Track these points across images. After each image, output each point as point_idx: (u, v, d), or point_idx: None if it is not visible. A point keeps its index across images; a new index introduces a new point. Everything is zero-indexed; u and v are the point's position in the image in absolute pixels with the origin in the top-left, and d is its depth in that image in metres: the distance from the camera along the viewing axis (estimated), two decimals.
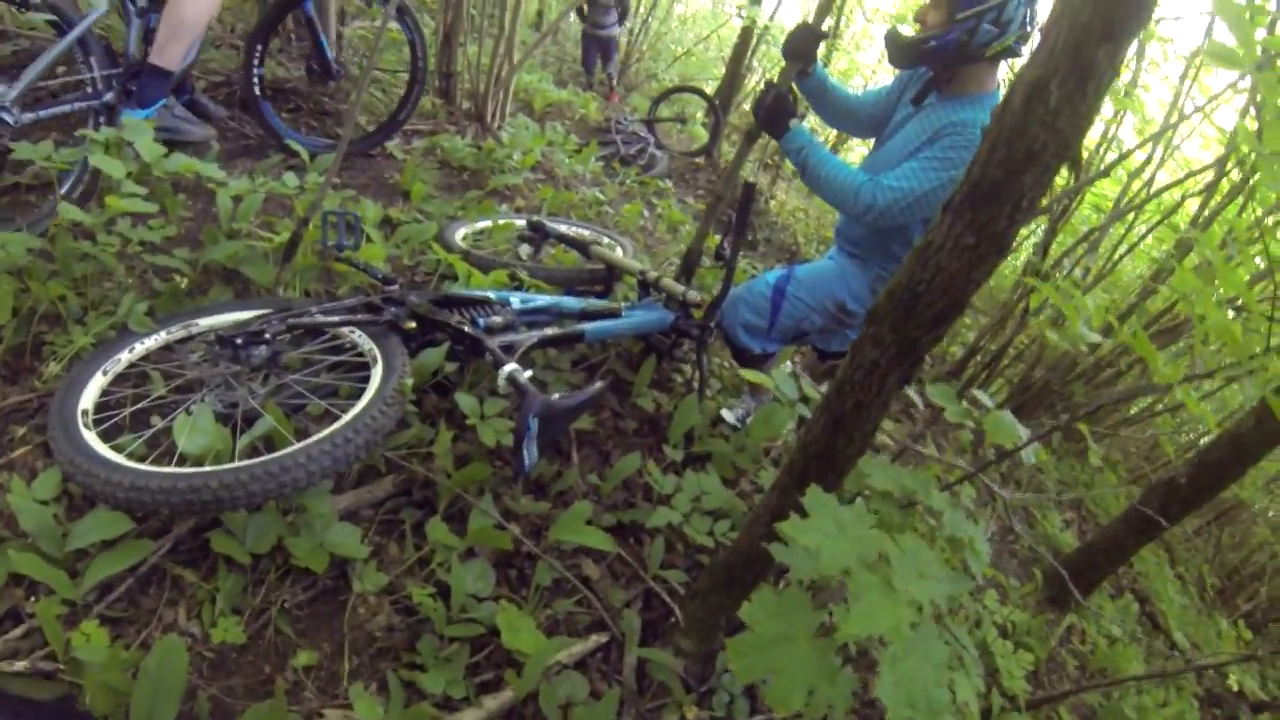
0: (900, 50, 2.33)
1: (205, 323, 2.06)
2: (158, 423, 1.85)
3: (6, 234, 2.01)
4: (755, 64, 9.01)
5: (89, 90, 2.60)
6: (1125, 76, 4.59)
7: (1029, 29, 2.18)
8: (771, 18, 8.10)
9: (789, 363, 3.58)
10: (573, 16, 8.07)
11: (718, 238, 2.74)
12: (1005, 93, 1.16)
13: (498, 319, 2.18)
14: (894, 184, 2.24)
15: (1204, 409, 2.01)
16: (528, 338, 2.15)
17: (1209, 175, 4.00)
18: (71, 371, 1.83)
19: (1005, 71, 2.47)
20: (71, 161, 2.26)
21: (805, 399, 2.16)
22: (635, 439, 2.53)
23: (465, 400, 1.98)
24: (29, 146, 2.17)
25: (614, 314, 2.52)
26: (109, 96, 2.63)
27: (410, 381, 1.86)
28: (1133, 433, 5.67)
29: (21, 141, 2.24)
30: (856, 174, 2.33)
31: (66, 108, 2.54)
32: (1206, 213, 4.48)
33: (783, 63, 2.48)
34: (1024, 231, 5.60)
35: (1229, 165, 3.54)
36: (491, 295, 2.28)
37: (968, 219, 1.20)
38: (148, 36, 2.73)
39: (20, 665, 1.40)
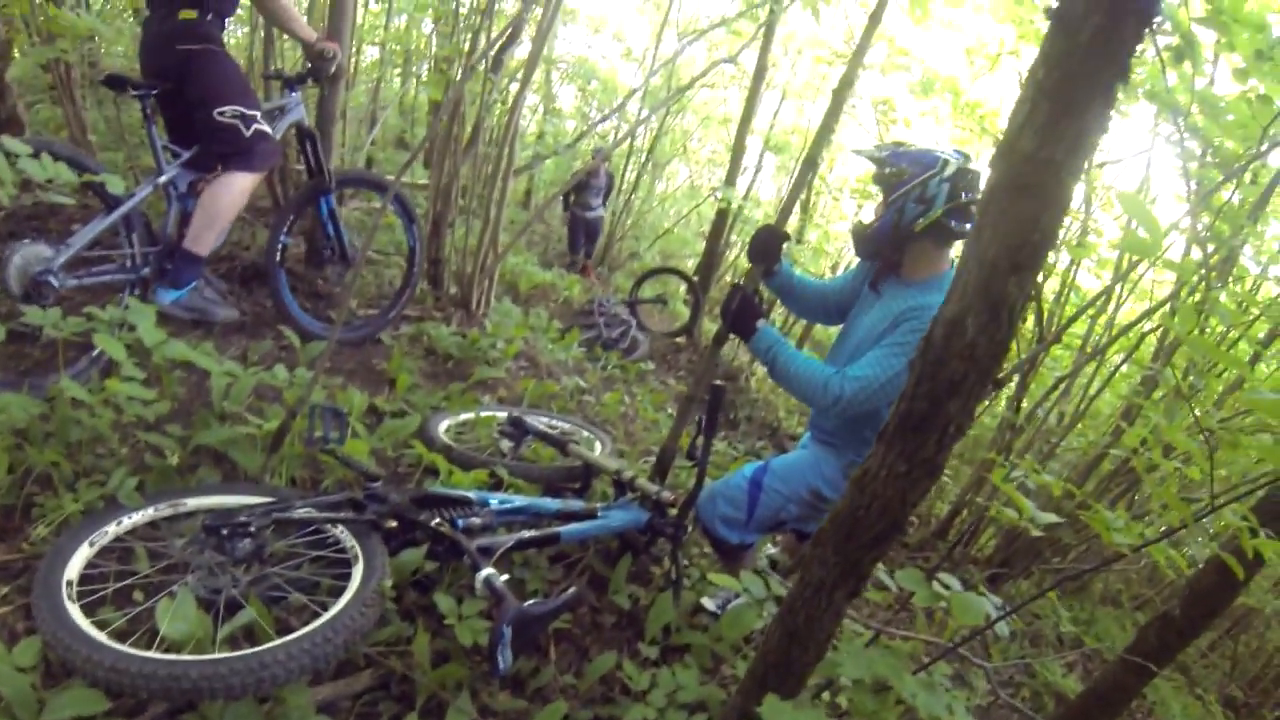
0: (855, 240, 2.75)
1: (193, 503, 2.28)
2: (140, 599, 2.04)
3: (9, 396, 2.29)
4: (734, 238, 9.72)
5: (127, 264, 3.05)
6: (1074, 227, 5.11)
7: (966, 199, 2.49)
8: (745, 197, 8.86)
9: (770, 544, 3.77)
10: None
11: (692, 436, 3.01)
12: (927, 330, 1.37)
13: (476, 520, 2.42)
14: (859, 374, 2.49)
15: (1176, 556, 2.25)
16: (505, 540, 2.37)
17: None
18: (59, 539, 2.02)
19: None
20: (78, 331, 2.55)
21: (775, 598, 2.36)
22: (613, 633, 2.70)
23: (444, 601, 2.18)
24: (38, 312, 2.49)
25: (590, 515, 2.76)
26: (145, 271, 3.08)
27: (389, 582, 2.07)
28: (1127, 564, 5.78)
29: (32, 306, 2.56)
30: (823, 368, 2.58)
31: (107, 278, 2.97)
32: (1169, 341, 4.78)
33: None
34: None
35: (1183, 295, 3.85)
36: (471, 495, 2.52)
37: (899, 448, 1.42)
38: (184, 219, 3.19)
39: None
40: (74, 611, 1.81)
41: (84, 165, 2.77)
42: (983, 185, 2.41)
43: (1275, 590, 6.19)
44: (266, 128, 3.29)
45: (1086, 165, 1.35)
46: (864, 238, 2.70)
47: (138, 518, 2.19)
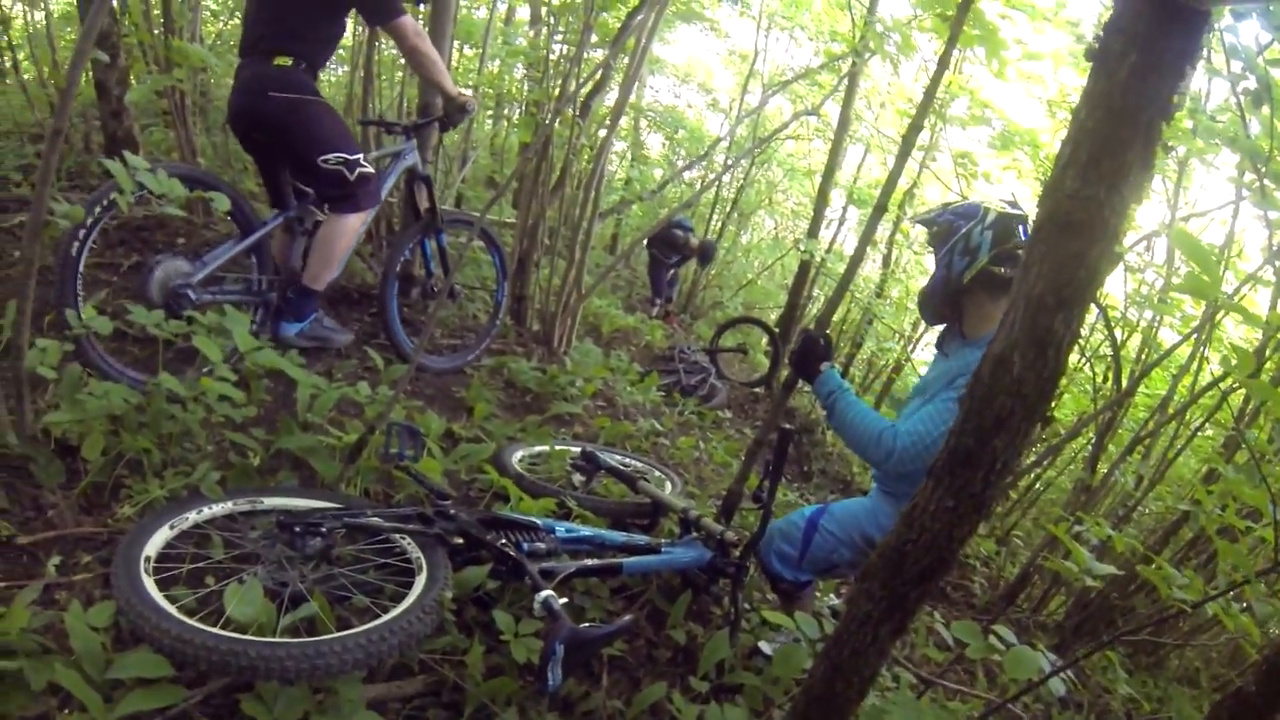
0: (919, 307, 2.80)
1: (270, 502, 2.40)
2: (211, 583, 2.17)
3: (109, 384, 2.48)
4: (816, 291, 9.72)
5: (253, 287, 3.34)
6: (1158, 282, 4.95)
7: (1013, 245, 2.50)
8: (829, 249, 8.87)
9: (832, 594, 3.77)
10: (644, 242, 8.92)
11: (759, 478, 3.03)
12: (975, 368, 1.40)
13: (541, 545, 2.47)
14: (910, 429, 2.51)
15: (1246, 622, 2.16)
16: (567, 567, 2.43)
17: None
18: (143, 518, 2.16)
19: None
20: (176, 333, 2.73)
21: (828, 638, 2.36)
22: (666, 667, 2.72)
23: (502, 618, 2.24)
24: (143, 311, 2.70)
25: (654, 550, 2.80)
26: (270, 295, 3.37)
27: (450, 594, 2.14)
28: (1208, 639, 5.49)
29: (139, 307, 2.74)
30: (878, 421, 2.61)
31: (235, 297, 3.24)
32: (1253, 403, 4.56)
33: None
34: (1076, 442, 5.79)
35: (1269, 352, 3.74)
36: (538, 522, 2.58)
37: (947, 483, 1.44)
38: (307, 253, 3.47)
39: None
40: (149, 584, 1.92)
41: (234, 198, 3.09)
42: (1028, 228, 2.46)
43: None
44: (370, 169, 3.51)
45: (1167, 219, 1.37)
46: (923, 302, 2.77)
47: (217, 509, 2.31)
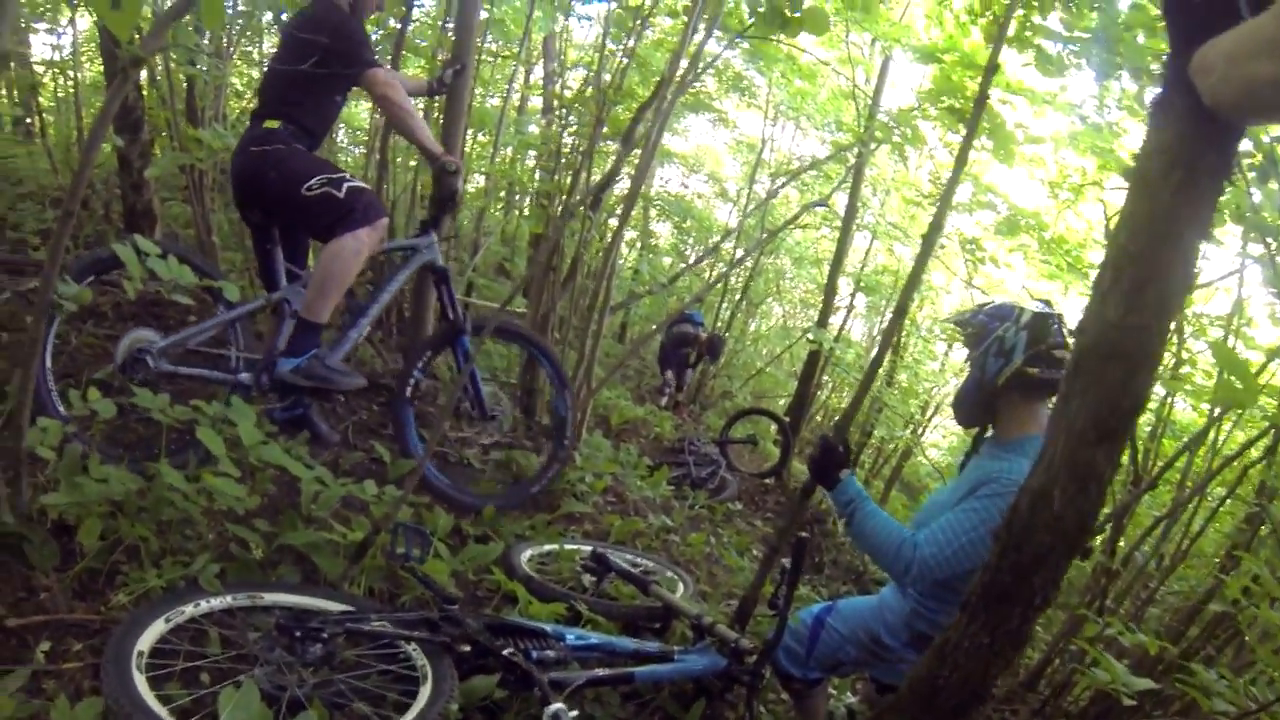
0: (954, 410, 2.76)
1: (270, 598, 2.31)
2: (207, 682, 2.07)
3: (111, 469, 2.39)
4: (825, 379, 9.69)
5: (229, 366, 3.22)
6: (1167, 358, 4.86)
7: (1059, 353, 2.42)
8: (837, 338, 8.88)
9: (849, 693, 3.67)
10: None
11: (775, 586, 2.95)
12: (1013, 500, 1.36)
13: (550, 653, 2.39)
14: (930, 538, 2.43)
15: None
16: (578, 677, 2.34)
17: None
18: (138, 609, 2.08)
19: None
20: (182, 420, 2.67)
21: None
22: None
23: None
24: (149, 396, 2.65)
25: (667, 657, 2.71)
26: (244, 377, 3.22)
27: (456, 707, 2.04)
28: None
29: (144, 390, 2.69)
30: (898, 533, 2.52)
31: (205, 373, 3.15)
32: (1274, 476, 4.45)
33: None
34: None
35: None
36: (548, 628, 2.50)
37: (983, 619, 1.39)
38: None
39: None
40: (140, 682, 1.83)
41: (205, 270, 3.02)
42: (1063, 328, 2.43)
43: None
44: (360, 184, 3.39)
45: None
46: (957, 405, 2.73)
47: (215, 603, 2.22)
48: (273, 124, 3.31)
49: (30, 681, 1.92)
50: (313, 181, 3.26)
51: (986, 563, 1.39)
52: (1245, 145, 2.43)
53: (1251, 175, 2.53)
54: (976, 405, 2.64)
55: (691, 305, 9.26)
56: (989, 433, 2.71)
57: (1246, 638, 2.32)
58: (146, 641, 1.97)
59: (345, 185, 3.31)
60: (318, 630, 2.13)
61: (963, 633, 1.42)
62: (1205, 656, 4.47)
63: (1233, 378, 1.93)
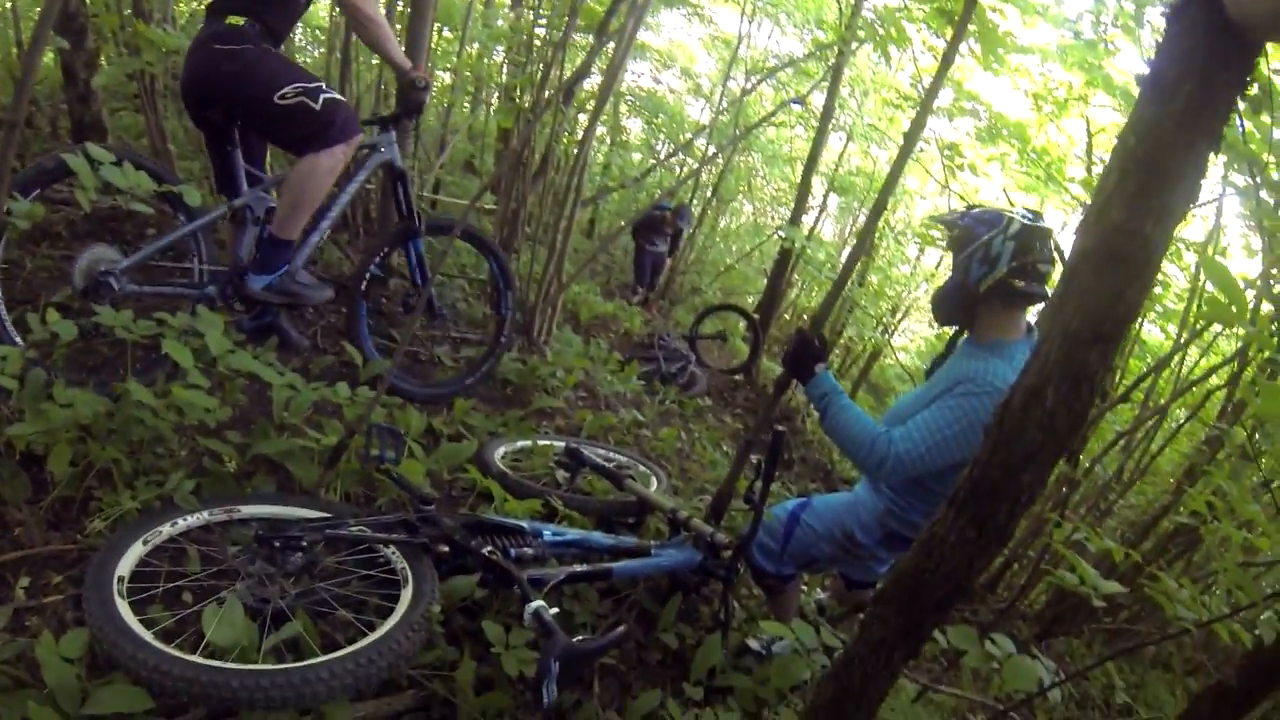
0: (932, 307, 2.76)
1: (247, 510, 2.31)
2: (189, 602, 2.08)
3: (76, 392, 2.34)
4: (795, 277, 9.70)
5: (193, 279, 3.09)
6: None
7: (1044, 268, 2.46)
8: (809, 236, 8.85)
9: (819, 589, 3.77)
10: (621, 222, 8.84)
11: (749, 480, 2.99)
12: (1004, 397, 1.37)
13: (529, 551, 2.42)
14: (905, 435, 2.47)
15: (1240, 632, 2.16)
16: (557, 573, 2.37)
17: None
18: (115, 534, 2.06)
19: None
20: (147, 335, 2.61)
21: (826, 648, 2.35)
22: (658, 671, 2.69)
23: (492, 629, 2.18)
24: (111, 313, 2.56)
25: (643, 552, 2.76)
26: (209, 290, 3.11)
27: (438, 608, 2.08)
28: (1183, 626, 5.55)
29: (106, 308, 2.62)
30: (871, 428, 2.56)
31: (169, 289, 3.04)
32: (1236, 399, 4.64)
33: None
34: None
35: (1251, 352, 3.70)
36: (525, 525, 2.53)
37: (970, 514, 1.41)
38: (258, 244, 3.22)
39: None
40: (123, 608, 1.84)
41: (162, 176, 2.84)
42: (1050, 244, 2.42)
43: None
44: (337, 95, 3.18)
45: None
46: (936, 303, 2.73)
47: (193, 520, 2.22)
48: (237, 21, 3.04)
49: (13, 620, 1.93)
50: (287, 90, 3.05)
51: (976, 458, 1.40)
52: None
53: (1244, 106, 2.50)
54: (956, 307, 2.65)
55: (663, 199, 9.15)
56: (966, 335, 2.72)
57: (1207, 546, 2.40)
58: (126, 566, 1.97)
59: (322, 97, 3.10)
60: (297, 539, 2.15)
61: (949, 527, 1.44)
62: (1158, 569, 4.65)
63: (1221, 294, 1.93)
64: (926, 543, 1.49)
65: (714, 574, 2.84)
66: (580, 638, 1.93)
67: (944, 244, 2.73)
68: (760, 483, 2.65)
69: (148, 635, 1.77)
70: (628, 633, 2.26)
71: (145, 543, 2.08)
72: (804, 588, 3.49)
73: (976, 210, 2.63)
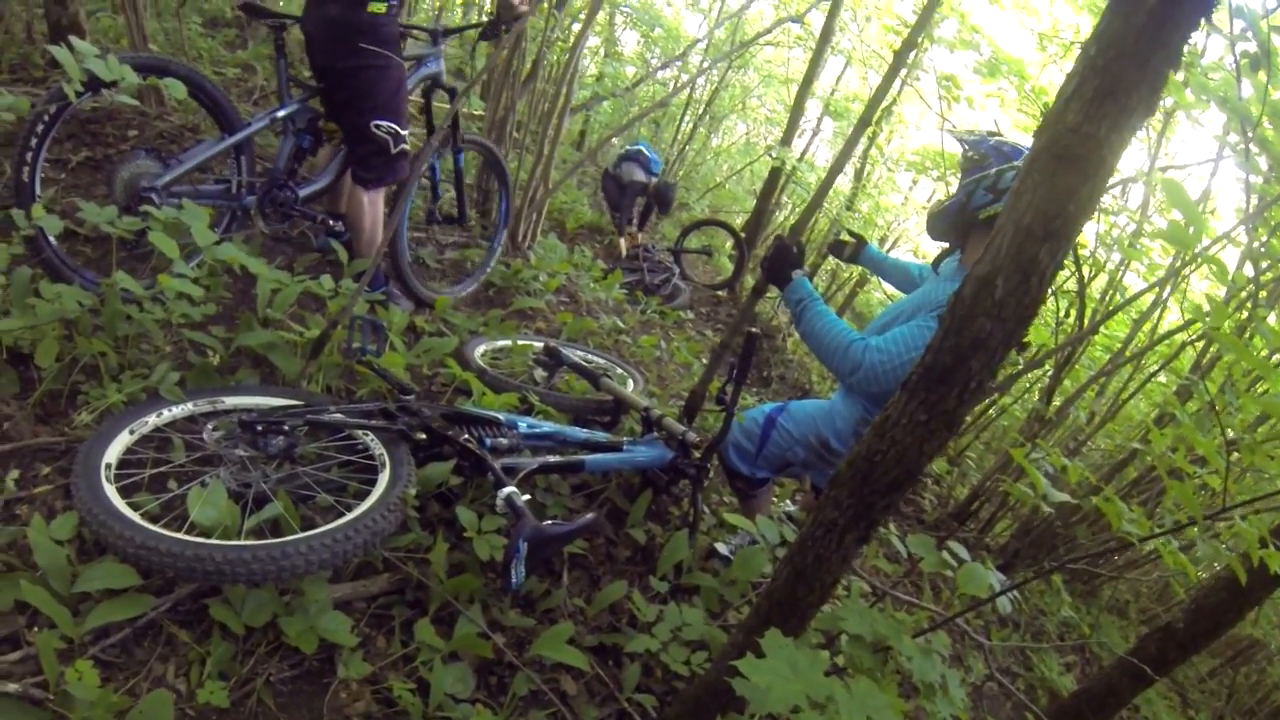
0: (928, 219, 2.71)
1: (230, 401, 2.33)
2: (174, 488, 2.11)
3: (62, 287, 2.32)
4: (785, 199, 9.58)
5: (232, 191, 3.02)
6: (1130, 227, 5.00)
7: None
8: (801, 158, 8.70)
9: (789, 500, 3.83)
10: (615, 140, 8.60)
11: (722, 381, 3.01)
12: (959, 285, 1.40)
13: (504, 441, 2.44)
14: (882, 346, 2.46)
15: (1183, 560, 2.24)
16: (530, 462, 2.41)
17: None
18: (101, 425, 2.08)
19: None
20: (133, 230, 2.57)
21: (786, 543, 2.38)
22: (626, 566, 2.75)
23: (465, 514, 2.22)
24: (94, 208, 2.47)
25: (615, 448, 2.78)
26: (248, 200, 3.04)
27: (414, 491, 2.11)
28: (1140, 574, 5.78)
29: (90, 204, 2.57)
30: (848, 333, 2.54)
31: (209, 202, 2.93)
32: (1209, 356, 4.77)
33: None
34: (1033, 373, 5.95)
35: (1229, 310, 3.74)
36: (501, 417, 2.55)
37: (921, 398, 1.44)
38: (297, 154, 3.16)
39: (13, 688, 1.59)
40: (110, 492, 1.86)
41: (202, 86, 2.82)
42: None
43: None
44: (407, 146, 3.24)
45: (1147, 167, 1.35)
46: (932, 217, 2.68)
47: (177, 411, 2.24)
48: (379, 9, 2.95)
49: (4, 510, 1.95)
50: (384, 124, 3.09)
51: (928, 344, 1.43)
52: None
53: (1244, 63, 2.44)
54: (951, 227, 2.61)
55: (638, 137, 8.76)
56: (955, 255, 2.69)
57: (1166, 484, 2.43)
58: (113, 454, 2.00)
59: (400, 145, 3.17)
60: (278, 424, 2.17)
61: (901, 410, 1.47)
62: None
63: (1182, 218, 1.94)
64: (879, 426, 1.52)
65: (684, 472, 2.88)
66: (549, 521, 1.97)
67: (958, 162, 2.66)
68: (733, 383, 2.67)
69: (135, 516, 1.80)
70: (596, 520, 2.31)
71: (132, 432, 2.11)
72: (774, 500, 3.54)
73: (996, 139, 2.57)
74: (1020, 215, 1.26)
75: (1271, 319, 4.05)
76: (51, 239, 2.59)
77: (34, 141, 2.55)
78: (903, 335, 2.47)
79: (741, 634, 1.85)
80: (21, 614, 1.74)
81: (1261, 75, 2.44)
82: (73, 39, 2.43)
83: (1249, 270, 3.77)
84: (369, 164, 3.16)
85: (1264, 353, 4.02)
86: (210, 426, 2.23)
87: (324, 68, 3.07)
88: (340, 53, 2.98)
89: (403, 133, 3.16)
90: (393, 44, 3.04)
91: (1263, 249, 3.15)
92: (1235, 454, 2.25)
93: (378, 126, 3.07)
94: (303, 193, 3.17)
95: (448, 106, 3.36)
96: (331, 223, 3.30)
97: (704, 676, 2.00)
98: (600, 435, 2.85)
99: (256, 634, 1.89)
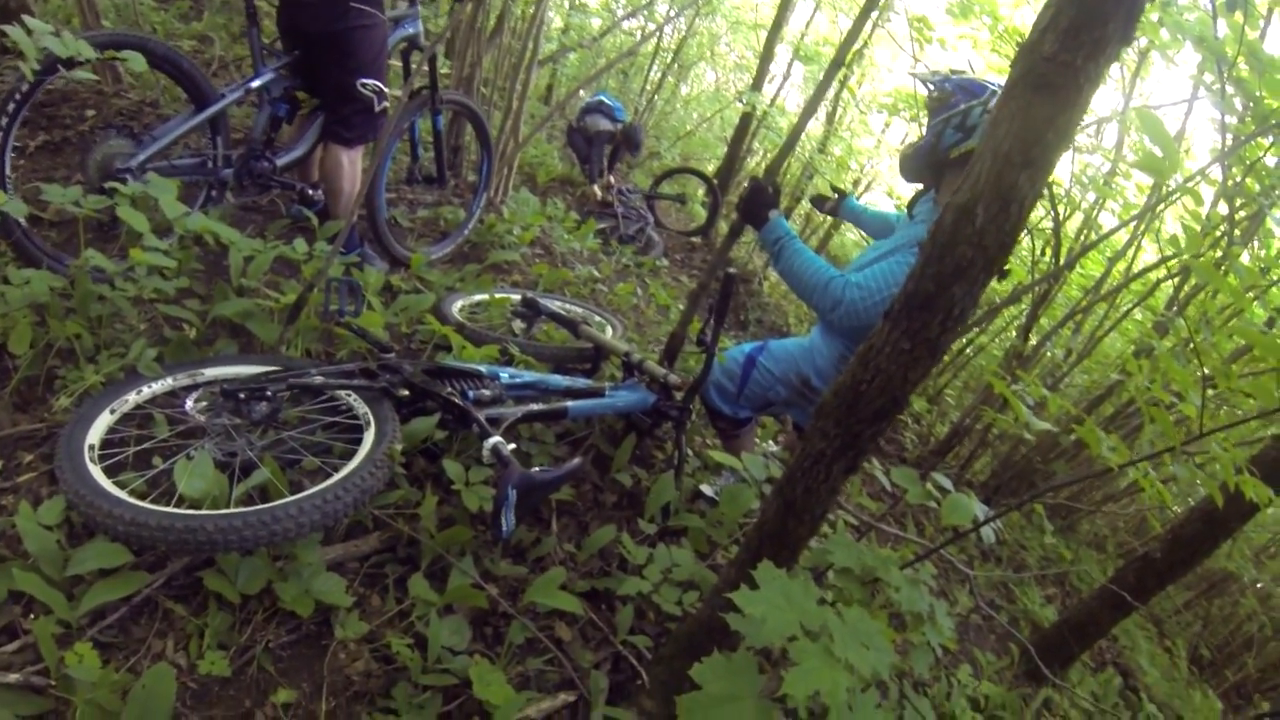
0: (900, 161, 2.69)
1: (210, 373, 2.29)
2: (159, 464, 2.07)
3: (30, 271, 2.26)
4: (756, 145, 9.48)
5: (209, 164, 2.94)
6: (1105, 167, 4.99)
7: None
8: (771, 104, 8.59)
9: (772, 441, 3.83)
10: (581, 93, 8.41)
11: (702, 323, 2.99)
12: (939, 214, 1.39)
13: (486, 392, 2.42)
14: (861, 282, 2.45)
15: (1161, 489, 2.27)
16: (513, 412, 2.38)
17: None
18: (81, 407, 2.03)
19: None
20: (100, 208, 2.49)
21: (772, 480, 2.38)
22: (613, 511, 2.74)
23: (452, 467, 2.21)
24: (58, 190, 2.39)
25: (598, 393, 2.77)
26: (226, 173, 2.98)
27: (399, 447, 2.08)
28: (1118, 509, 5.89)
29: (52, 186, 2.50)
30: (827, 269, 2.53)
31: (185, 177, 2.86)
32: (1185, 292, 4.82)
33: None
34: (1010, 311, 6.00)
35: (1203, 246, 3.78)
36: (482, 369, 2.52)
37: (904, 326, 1.44)
38: (273, 123, 3.08)
39: (13, 677, 1.57)
40: (96, 473, 1.83)
41: (169, 59, 2.74)
42: None
43: (1255, 560, 6.39)
44: (387, 104, 3.20)
45: (1121, 106, 1.35)
46: (905, 159, 2.66)
47: (157, 387, 2.20)
48: None
49: None
50: (369, 82, 3.09)
51: (910, 273, 1.42)
52: None
53: (1220, 3, 2.40)
54: (924, 167, 2.59)
55: (603, 89, 8.53)
56: (929, 196, 2.66)
57: (1142, 413, 2.45)
58: (95, 435, 1.96)
59: (383, 104, 3.16)
60: (260, 390, 2.13)
61: (885, 339, 1.46)
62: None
63: (1157, 147, 1.92)
64: (864, 355, 1.51)
65: (667, 414, 2.87)
66: (536, 468, 1.95)
67: (925, 104, 2.62)
68: (712, 323, 2.65)
69: (122, 494, 1.78)
70: (582, 465, 2.30)
71: (112, 412, 2.07)
72: (757, 441, 3.53)
73: (959, 77, 2.54)
74: (999, 143, 1.27)
75: (1245, 258, 4.08)
76: (21, 221, 2.49)
77: (4, 121, 2.47)
78: (883, 271, 2.45)
79: (733, 569, 1.85)
80: (17, 603, 1.72)
81: (1238, 16, 2.42)
82: (25, 18, 2.33)
83: (1224, 209, 3.79)
84: (350, 122, 3.14)
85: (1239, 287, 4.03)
86: (192, 399, 2.19)
87: (311, 33, 3.01)
88: (331, 15, 2.94)
89: (385, 90, 3.14)
90: (379, 1, 3.01)
91: (1238, 187, 3.15)
92: (1212, 390, 2.25)
93: (363, 85, 3.07)
94: (280, 162, 3.11)
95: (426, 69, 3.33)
96: (310, 191, 3.22)
97: (696, 614, 2.00)
98: (582, 382, 2.83)
99: (252, 602, 1.88)
